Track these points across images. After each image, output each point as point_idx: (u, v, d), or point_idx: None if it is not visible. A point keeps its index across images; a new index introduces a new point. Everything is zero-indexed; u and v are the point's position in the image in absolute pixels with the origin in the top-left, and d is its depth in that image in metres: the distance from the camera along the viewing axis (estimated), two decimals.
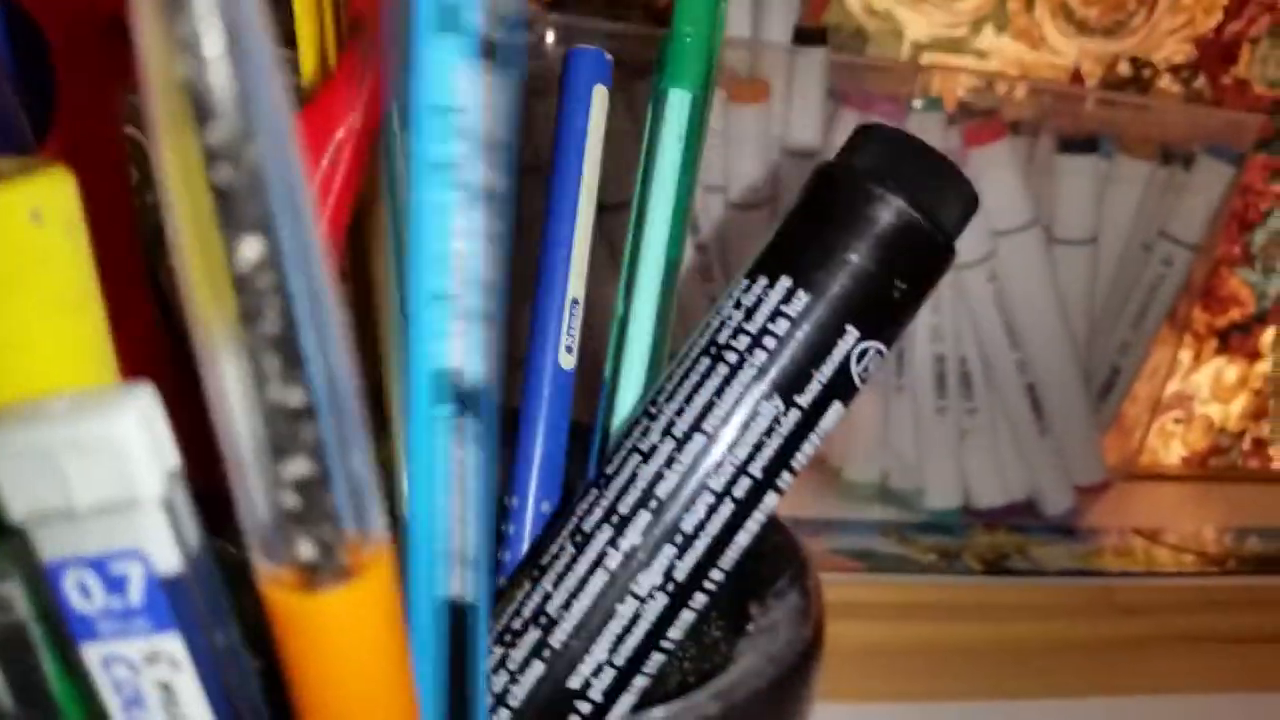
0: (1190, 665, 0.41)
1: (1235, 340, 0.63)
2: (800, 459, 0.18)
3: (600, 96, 0.21)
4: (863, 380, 0.18)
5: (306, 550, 0.11)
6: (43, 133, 0.18)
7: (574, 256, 0.21)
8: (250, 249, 0.10)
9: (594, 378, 0.22)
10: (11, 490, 0.11)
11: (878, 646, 0.40)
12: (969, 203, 0.18)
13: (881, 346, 0.18)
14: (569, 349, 0.21)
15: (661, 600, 0.18)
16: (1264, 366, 0.64)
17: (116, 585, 0.11)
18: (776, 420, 0.17)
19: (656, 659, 0.18)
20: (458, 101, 0.13)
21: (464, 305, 0.13)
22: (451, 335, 0.13)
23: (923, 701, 0.37)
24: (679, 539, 0.17)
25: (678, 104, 0.21)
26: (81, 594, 0.11)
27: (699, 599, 0.18)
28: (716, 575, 0.18)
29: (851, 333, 0.17)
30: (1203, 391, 0.64)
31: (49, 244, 0.12)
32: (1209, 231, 0.50)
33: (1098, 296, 0.50)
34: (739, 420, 0.17)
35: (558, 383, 0.21)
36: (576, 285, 0.21)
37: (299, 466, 0.11)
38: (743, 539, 0.18)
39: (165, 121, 0.10)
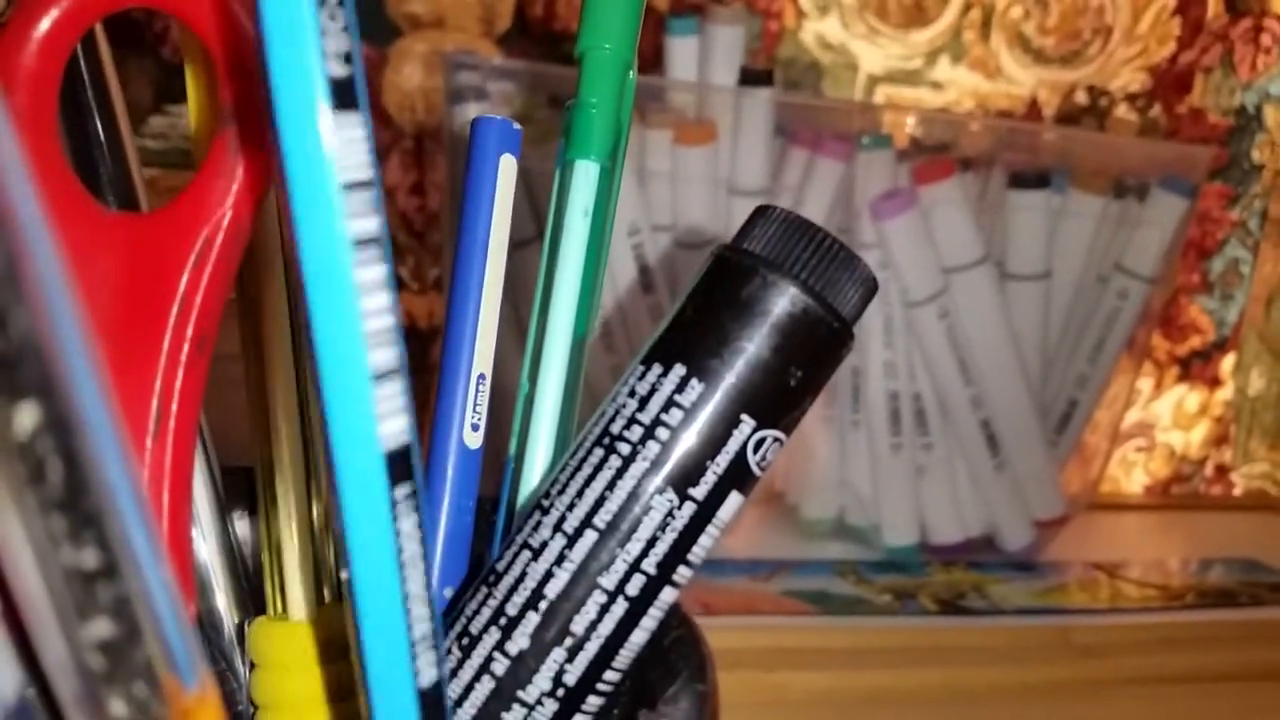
0: (1147, 708, 0.41)
1: (1196, 368, 0.63)
2: (698, 551, 0.17)
3: (507, 166, 0.21)
4: (761, 469, 0.17)
5: (119, 709, 0.10)
6: None
7: (480, 331, 0.21)
8: (27, 415, 0.09)
9: (500, 454, 0.21)
10: None
11: (828, 695, 0.39)
12: (867, 286, 0.18)
13: (780, 434, 0.17)
14: (475, 427, 0.21)
15: (551, 707, 0.17)
16: (1225, 393, 0.64)
17: None
18: (671, 514, 0.17)
19: None
20: (368, 175, 0.12)
21: (400, 379, 0.13)
22: (401, 412, 0.13)
23: None
24: (569, 642, 0.17)
25: (584, 175, 0.21)
26: None
27: (592, 702, 0.17)
28: (610, 676, 0.17)
29: (748, 422, 0.17)
30: (1164, 419, 0.63)
31: None
32: (1164, 263, 0.50)
33: (1052, 330, 0.50)
34: (632, 515, 0.17)
35: (463, 462, 0.21)
36: (483, 361, 0.21)
37: (101, 628, 0.10)
38: (638, 637, 0.17)
39: None
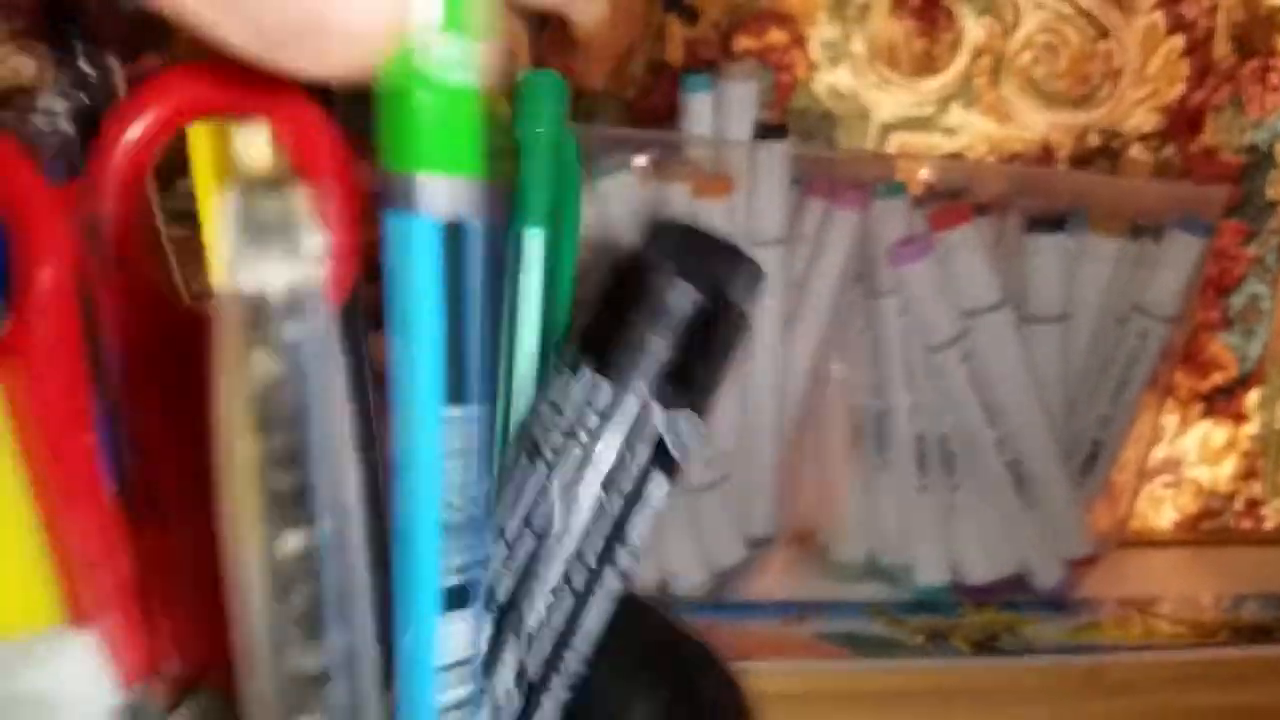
0: None
1: (1220, 404, 0.63)
2: (634, 535, 0.18)
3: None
4: (682, 451, 0.18)
5: None
6: None
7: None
8: (290, 542, 0.11)
9: None
10: None
11: None
12: (753, 275, 0.19)
13: (695, 415, 0.18)
14: None
15: (515, 700, 0.18)
16: (1251, 428, 0.64)
17: None
18: (601, 508, 0.18)
19: None
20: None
21: None
22: None
23: None
24: (525, 638, 0.18)
25: (533, 243, 0.22)
26: None
27: (556, 687, 0.18)
28: (571, 662, 0.18)
29: (658, 410, 0.18)
30: (1191, 455, 0.64)
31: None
32: (1183, 303, 0.50)
33: (1073, 371, 0.50)
34: (564, 515, 0.18)
35: None
36: None
37: None
38: (592, 624, 0.18)
39: (232, 427, 0.10)
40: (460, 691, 0.16)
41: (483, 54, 0.13)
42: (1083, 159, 0.59)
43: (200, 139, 0.19)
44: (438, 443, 0.14)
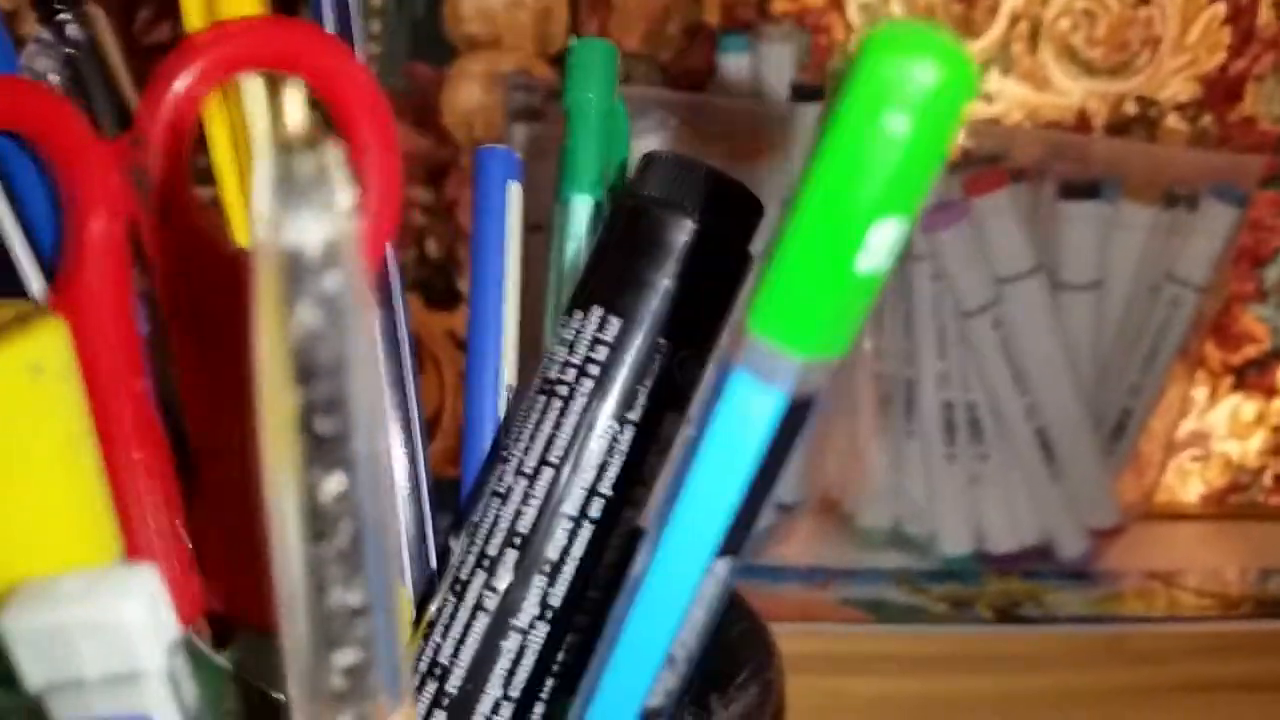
0: (1202, 715, 0.41)
1: (1251, 377, 0.63)
2: (647, 471, 0.19)
3: (515, 193, 0.22)
4: (690, 387, 0.19)
5: None
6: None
7: (504, 348, 0.22)
8: (332, 485, 0.11)
9: None
10: (29, 665, 0.12)
11: (884, 701, 0.40)
12: (754, 209, 0.19)
13: (700, 353, 0.19)
14: None
15: (543, 629, 0.19)
16: None
17: None
18: (614, 440, 0.18)
19: (550, 685, 0.19)
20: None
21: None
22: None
23: None
24: (547, 568, 0.19)
25: (580, 209, 0.22)
26: None
27: (580, 621, 0.19)
28: (593, 595, 0.19)
29: (667, 347, 0.18)
30: (1220, 429, 0.63)
31: (49, 394, 0.13)
32: (1216, 273, 0.50)
33: (1105, 340, 0.50)
34: (580, 447, 0.19)
35: None
36: (509, 373, 0.22)
37: (349, 656, 0.12)
38: (611, 558, 0.19)
39: (272, 377, 0.11)
40: None
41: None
42: (1119, 127, 0.58)
43: (214, 101, 0.20)
44: (695, 589, 0.14)
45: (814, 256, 0.11)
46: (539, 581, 0.18)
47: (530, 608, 0.18)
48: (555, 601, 0.18)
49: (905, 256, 0.48)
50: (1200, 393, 0.62)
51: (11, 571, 0.13)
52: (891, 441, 0.51)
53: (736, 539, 0.13)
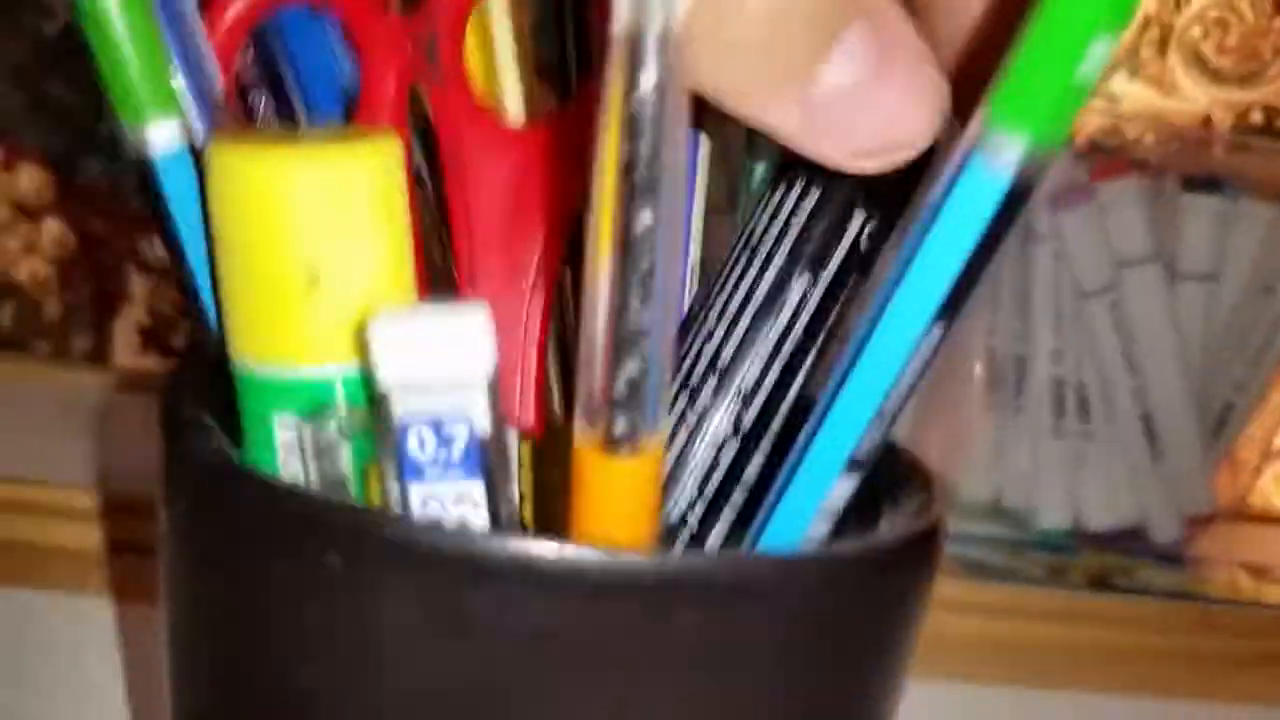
0: None
1: None
2: (830, 323, 0.22)
3: None
4: (871, 253, 0.21)
5: (619, 427, 0.15)
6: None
7: (692, 224, 0.25)
8: (644, 218, 0.14)
9: None
10: (386, 366, 0.15)
11: (982, 639, 0.42)
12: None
13: (886, 221, 0.21)
14: None
15: (733, 446, 0.21)
16: None
17: (446, 441, 0.16)
18: (805, 293, 0.21)
19: (738, 495, 0.22)
20: None
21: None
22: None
23: (1023, 689, 0.40)
24: (740, 395, 0.21)
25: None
26: (419, 445, 0.16)
27: (765, 443, 0.22)
28: (776, 423, 0.22)
29: (860, 214, 0.21)
30: None
31: (393, 188, 0.17)
32: None
33: (1215, 332, 0.52)
34: (776, 296, 0.21)
35: None
36: (695, 250, 0.25)
37: (633, 368, 0.15)
38: (793, 392, 0.22)
39: (608, 135, 0.14)
40: (822, 529, 0.19)
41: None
42: (1243, 136, 0.60)
43: None
44: (913, 348, 0.17)
45: (1048, 64, 0.14)
46: (733, 406, 0.21)
47: (724, 426, 0.21)
48: (746, 424, 0.21)
49: (1027, 236, 0.50)
50: None
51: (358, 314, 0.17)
52: (999, 415, 0.53)
53: (953, 308, 0.16)
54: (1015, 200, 0.15)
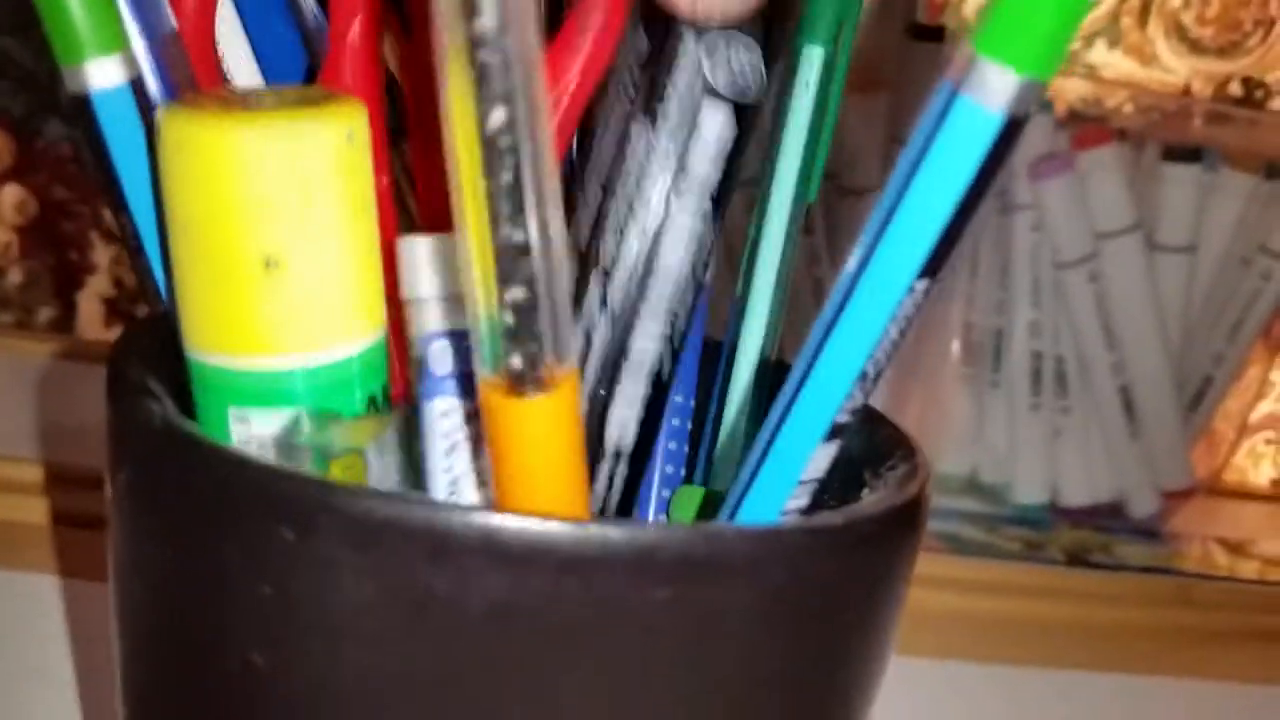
0: (1264, 656, 0.42)
1: None
2: (696, 167, 0.20)
3: None
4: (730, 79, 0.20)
5: (516, 362, 0.14)
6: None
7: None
8: (497, 116, 0.12)
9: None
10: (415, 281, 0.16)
11: (960, 614, 0.41)
12: None
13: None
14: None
15: (605, 329, 0.20)
16: None
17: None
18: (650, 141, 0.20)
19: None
20: None
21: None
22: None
23: (1002, 665, 0.39)
24: (600, 270, 0.20)
25: (809, 59, 0.23)
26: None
27: (647, 321, 0.20)
28: (654, 298, 0.20)
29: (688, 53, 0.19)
30: None
31: (357, 159, 0.16)
32: None
33: (1194, 304, 0.52)
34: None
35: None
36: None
37: (517, 293, 0.13)
38: (669, 259, 0.20)
39: (446, 19, 0.12)
40: (802, 500, 0.18)
41: None
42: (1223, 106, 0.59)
43: None
44: (897, 304, 0.15)
45: None
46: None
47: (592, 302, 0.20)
48: (615, 303, 0.20)
49: (1006, 206, 0.49)
50: (1277, 376, 0.63)
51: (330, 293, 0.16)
52: (975, 390, 0.53)
53: (938, 260, 0.15)
54: (1006, 139, 0.14)
